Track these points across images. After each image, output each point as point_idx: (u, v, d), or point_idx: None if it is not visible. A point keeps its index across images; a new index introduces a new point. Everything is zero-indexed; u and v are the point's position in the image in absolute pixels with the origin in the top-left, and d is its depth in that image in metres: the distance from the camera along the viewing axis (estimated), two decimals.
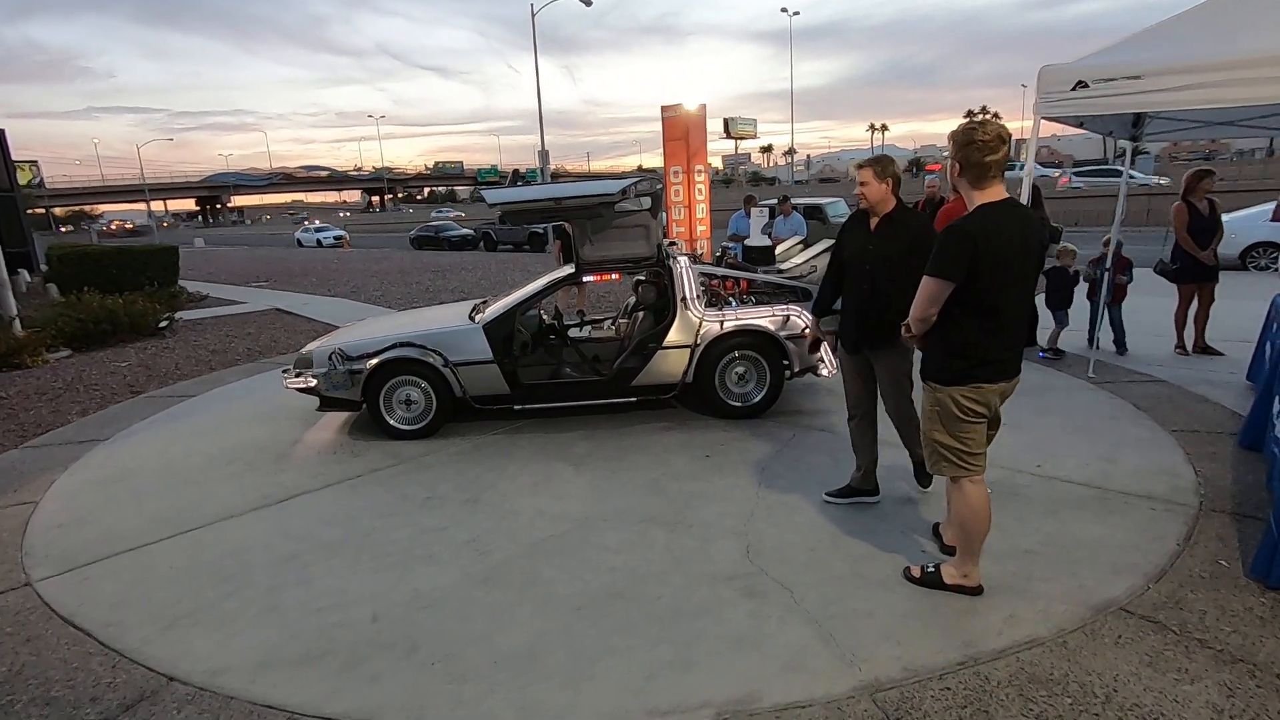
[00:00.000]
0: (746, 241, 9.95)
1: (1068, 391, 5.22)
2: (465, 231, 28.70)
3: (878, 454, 3.55)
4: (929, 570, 2.85)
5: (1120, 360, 5.92)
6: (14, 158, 17.82)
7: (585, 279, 5.22)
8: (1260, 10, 4.14)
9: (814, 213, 14.44)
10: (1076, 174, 35.51)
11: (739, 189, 42.17)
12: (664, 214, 10.29)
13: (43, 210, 60.23)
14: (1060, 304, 6.19)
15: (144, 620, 2.91)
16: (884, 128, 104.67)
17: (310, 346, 5.15)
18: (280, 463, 4.59)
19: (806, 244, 9.73)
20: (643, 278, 5.46)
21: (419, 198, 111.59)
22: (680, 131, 11.13)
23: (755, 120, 44.04)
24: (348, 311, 10.83)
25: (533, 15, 24.45)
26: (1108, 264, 5.73)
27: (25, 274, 14.85)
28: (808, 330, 3.86)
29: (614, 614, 2.79)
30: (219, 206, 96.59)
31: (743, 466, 4.15)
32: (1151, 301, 6.87)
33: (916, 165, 67.92)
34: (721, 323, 4.85)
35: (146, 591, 3.14)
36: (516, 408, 5.00)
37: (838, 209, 15.52)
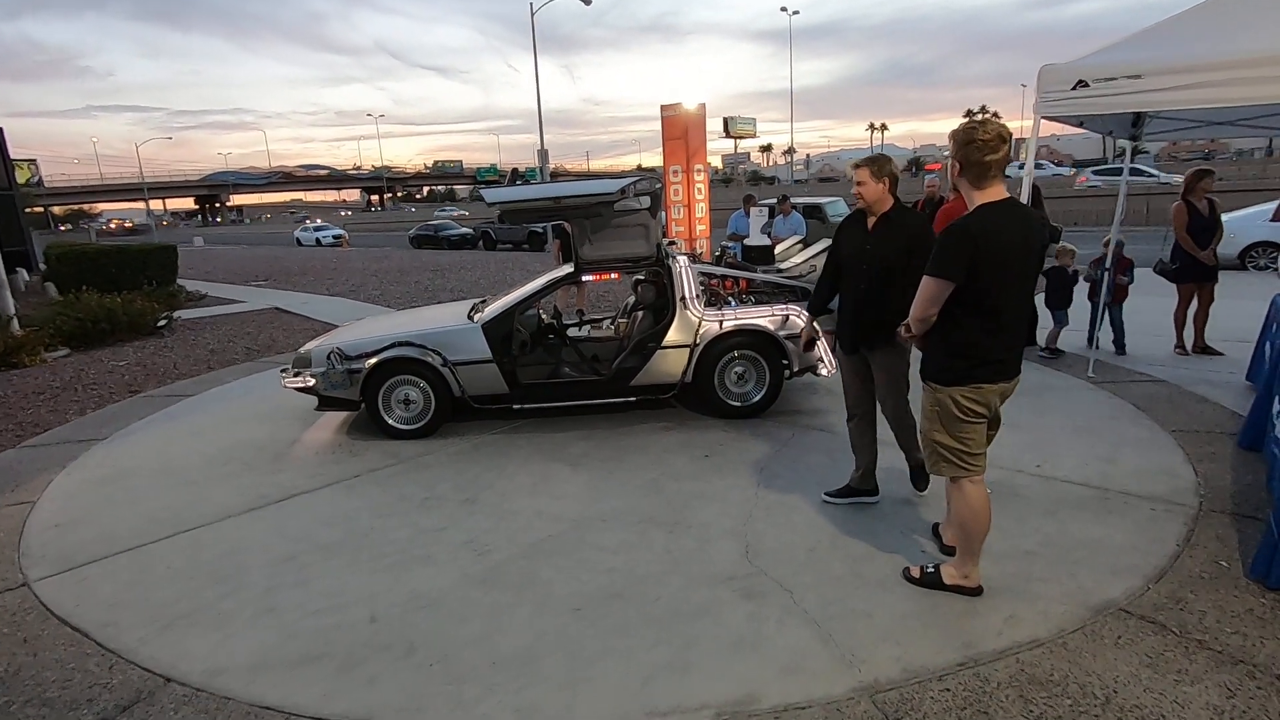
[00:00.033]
0: (746, 241, 9.97)
1: (1067, 391, 5.22)
2: (464, 230, 28.73)
3: (877, 454, 3.55)
4: (928, 571, 2.84)
5: (1120, 360, 5.92)
6: (12, 156, 17.80)
7: (584, 278, 5.21)
8: (1260, 10, 4.14)
9: (813, 212, 14.44)
10: (1095, 172, 35.58)
11: (738, 188, 42.20)
12: (663, 213, 10.31)
13: (41, 209, 60.18)
14: (1059, 304, 6.19)
15: (141, 621, 2.91)
16: (883, 127, 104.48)
17: (309, 346, 5.14)
18: (278, 463, 4.58)
19: (806, 243, 9.70)
20: (642, 277, 5.45)
21: (418, 196, 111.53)
22: (679, 130, 11.14)
23: (755, 119, 44.20)
24: (347, 311, 10.82)
25: (532, 14, 24.41)
26: (1108, 264, 5.73)
27: (24, 273, 14.85)
28: (804, 330, 3.85)
29: (612, 615, 2.79)
30: (218, 205, 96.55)
31: (742, 466, 4.14)
32: (1151, 301, 6.87)
33: (916, 164, 67.80)
34: (721, 322, 4.84)
35: (144, 592, 3.13)
36: (515, 407, 4.99)
37: (837, 208, 15.51)
